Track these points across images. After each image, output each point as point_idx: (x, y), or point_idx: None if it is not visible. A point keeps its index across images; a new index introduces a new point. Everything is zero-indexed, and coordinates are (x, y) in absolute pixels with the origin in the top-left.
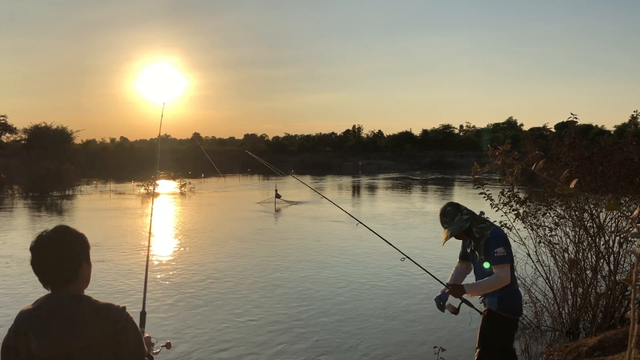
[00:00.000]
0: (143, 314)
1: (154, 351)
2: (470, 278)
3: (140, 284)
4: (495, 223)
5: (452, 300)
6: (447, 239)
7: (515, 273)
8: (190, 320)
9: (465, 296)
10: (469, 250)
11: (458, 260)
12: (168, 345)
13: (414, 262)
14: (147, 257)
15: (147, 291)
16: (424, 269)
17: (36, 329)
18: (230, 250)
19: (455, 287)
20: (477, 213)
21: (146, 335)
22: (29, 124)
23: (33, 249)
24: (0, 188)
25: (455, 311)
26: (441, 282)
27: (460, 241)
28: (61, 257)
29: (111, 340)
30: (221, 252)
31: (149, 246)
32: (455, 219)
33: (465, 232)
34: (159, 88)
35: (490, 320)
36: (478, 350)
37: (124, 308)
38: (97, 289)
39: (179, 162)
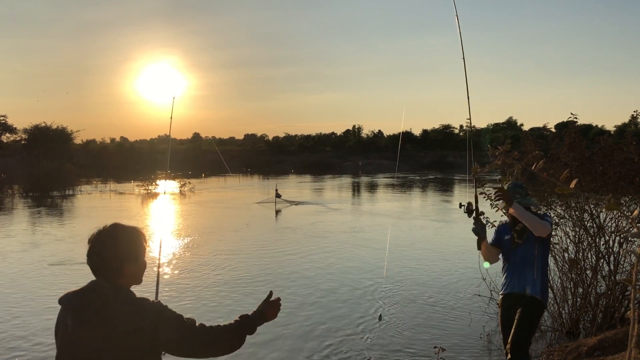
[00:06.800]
0: None
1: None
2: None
3: (146, 282)
4: (495, 222)
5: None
6: (506, 204)
7: None
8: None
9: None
10: (506, 238)
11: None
12: None
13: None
14: (159, 254)
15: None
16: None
17: (72, 309)
18: (232, 251)
19: (505, 193)
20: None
21: None
22: (29, 124)
23: (88, 241)
24: (0, 188)
25: (509, 199)
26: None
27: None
28: (102, 255)
29: (139, 333)
30: (223, 253)
31: (160, 244)
32: (527, 197)
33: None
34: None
35: (534, 307)
36: (512, 337)
37: (159, 302)
38: None
39: (179, 162)
